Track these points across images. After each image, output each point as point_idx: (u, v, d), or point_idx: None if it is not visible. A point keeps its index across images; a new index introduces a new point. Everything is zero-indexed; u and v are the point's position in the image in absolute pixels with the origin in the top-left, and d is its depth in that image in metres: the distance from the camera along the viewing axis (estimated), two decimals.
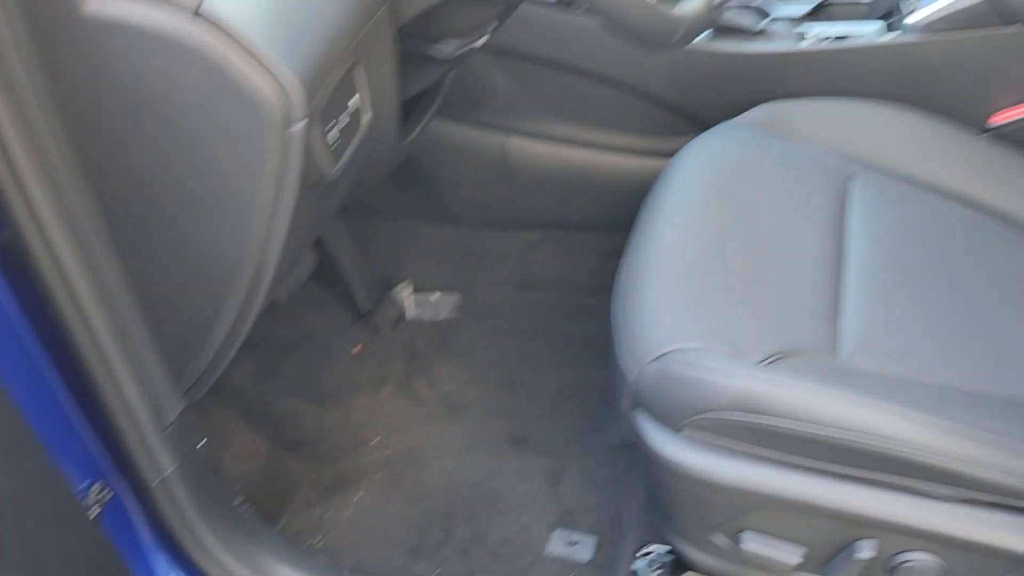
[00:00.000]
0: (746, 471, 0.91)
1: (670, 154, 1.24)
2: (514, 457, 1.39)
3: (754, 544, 0.95)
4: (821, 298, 1.01)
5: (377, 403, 1.50)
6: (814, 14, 1.42)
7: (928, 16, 1.24)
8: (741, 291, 1.01)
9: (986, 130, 1.27)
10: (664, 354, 0.93)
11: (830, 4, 1.43)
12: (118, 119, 0.78)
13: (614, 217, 1.40)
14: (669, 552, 1.16)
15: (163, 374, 0.88)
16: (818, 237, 1.09)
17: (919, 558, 0.89)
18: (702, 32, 1.35)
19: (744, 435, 0.90)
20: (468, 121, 1.52)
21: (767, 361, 0.92)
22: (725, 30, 1.39)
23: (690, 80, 1.40)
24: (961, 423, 0.85)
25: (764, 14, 1.44)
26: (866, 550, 0.90)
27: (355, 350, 1.60)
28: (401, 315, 1.65)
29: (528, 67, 1.45)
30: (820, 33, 1.36)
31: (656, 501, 1.04)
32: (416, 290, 1.67)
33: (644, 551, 1.17)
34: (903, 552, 0.89)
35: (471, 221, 1.70)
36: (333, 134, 0.87)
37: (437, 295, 1.67)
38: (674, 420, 0.93)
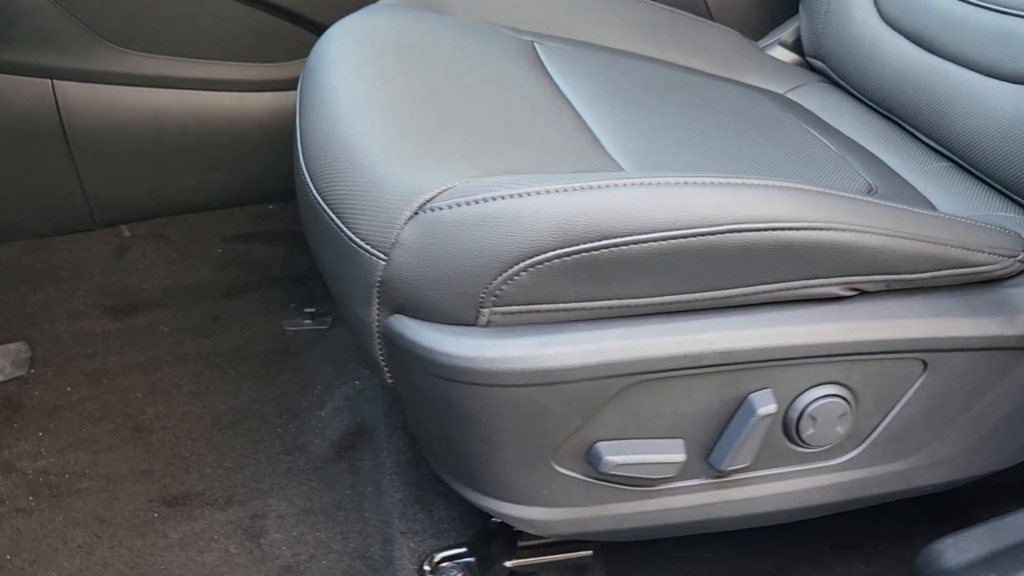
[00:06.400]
0: (590, 339, 0.60)
1: (293, 82, 0.93)
2: (175, 525, 0.90)
3: (615, 456, 0.64)
4: (572, 129, 0.76)
5: None
6: None
7: None
8: (482, 129, 0.71)
9: None
10: (423, 204, 0.59)
11: None
12: None
13: (232, 182, 1.02)
14: (466, 554, 0.81)
15: None
16: (531, 83, 0.84)
17: (827, 392, 0.66)
18: None
19: (573, 287, 0.59)
20: None
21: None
22: None
23: None
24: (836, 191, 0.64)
25: None
26: (764, 404, 0.64)
27: None
28: None
29: None
30: None
31: (458, 459, 0.67)
32: None
33: (434, 562, 0.79)
34: (805, 391, 0.66)
35: (25, 227, 1.15)
36: None
37: None
38: (466, 302, 0.59)
